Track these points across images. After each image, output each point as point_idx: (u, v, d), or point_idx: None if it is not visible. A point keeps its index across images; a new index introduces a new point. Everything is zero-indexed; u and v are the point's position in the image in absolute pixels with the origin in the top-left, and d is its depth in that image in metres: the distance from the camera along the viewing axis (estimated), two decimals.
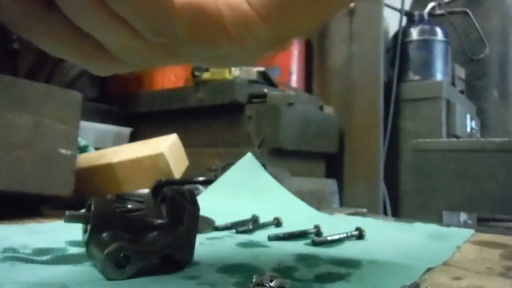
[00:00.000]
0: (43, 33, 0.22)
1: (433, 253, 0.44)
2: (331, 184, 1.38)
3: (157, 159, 0.76)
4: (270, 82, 1.31)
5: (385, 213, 1.54)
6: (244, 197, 0.72)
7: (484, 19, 2.22)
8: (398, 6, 1.61)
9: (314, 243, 0.47)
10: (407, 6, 1.68)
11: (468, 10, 2.16)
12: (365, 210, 0.93)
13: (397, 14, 1.62)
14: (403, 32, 1.68)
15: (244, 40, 0.23)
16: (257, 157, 0.86)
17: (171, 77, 1.45)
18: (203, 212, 0.39)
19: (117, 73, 0.26)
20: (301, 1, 0.23)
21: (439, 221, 1.01)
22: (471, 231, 0.57)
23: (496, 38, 2.26)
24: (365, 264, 0.39)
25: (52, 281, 0.31)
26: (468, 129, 1.87)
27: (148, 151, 0.78)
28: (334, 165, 1.49)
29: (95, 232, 0.35)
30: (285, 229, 0.55)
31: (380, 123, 1.50)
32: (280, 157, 1.17)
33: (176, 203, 0.37)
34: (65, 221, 0.35)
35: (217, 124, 1.27)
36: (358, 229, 0.52)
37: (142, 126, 1.44)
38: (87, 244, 0.36)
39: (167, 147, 0.78)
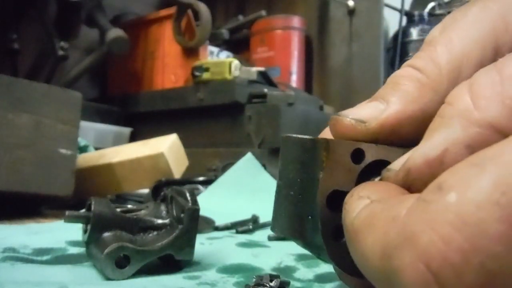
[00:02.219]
0: None
1: None
2: None
3: (157, 159, 0.76)
4: (270, 82, 1.30)
5: None
6: (244, 197, 0.72)
7: None
8: (398, 6, 1.61)
9: None
10: (407, 6, 1.68)
11: None
12: None
13: (397, 14, 1.62)
14: (403, 32, 1.68)
15: None
16: (257, 157, 0.86)
17: (171, 77, 1.45)
18: (203, 212, 0.39)
19: None
20: None
21: None
22: None
23: None
24: None
25: (52, 281, 0.31)
26: None
27: (148, 151, 0.78)
28: None
29: (95, 232, 0.35)
30: None
31: None
32: None
33: (176, 203, 0.37)
34: (65, 221, 0.35)
35: (217, 124, 1.27)
36: None
37: (142, 126, 1.44)
38: (87, 244, 0.36)
39: (167, 147, 0.78)
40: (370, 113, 0.21)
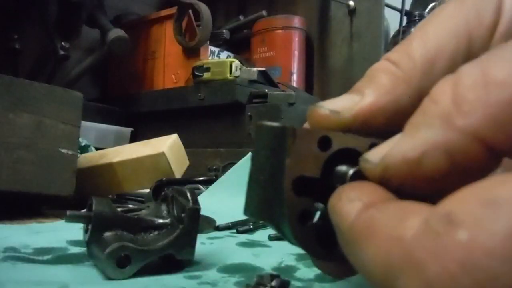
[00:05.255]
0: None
1: None
2: None
3: (158, 159, 0.76)
4: (270, 82, 1.31)
5: None
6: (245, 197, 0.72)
7: None
8: (399, 6, 1.61)
9: None
10: (407, 6, 1.68)
11: None
12: None
13: (398, 14, 1.62)
14: (404, 32, 1.68)
15: None
16: None
17: (171, 77, 1.45)
18: (204, 211, 0.39)
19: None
20: None
21: None
22: None
23: None
24: None
25: (53, 281, 0.31)
26: None
27: (149, 151, 0.78)
28: None
29: (96, 231, 0.35)
30: None
31: None
32: None
33: (176, 203, 0.37)
34: (66, 221, 0.35)
35: (217, 124, 1.27)
36: None
37: (143, 126, 1.44)
38: (88, 243, 0.36)
39: (167, 147, 0.78)
40: (345, 104, 0.21)
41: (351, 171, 0.19)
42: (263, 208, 0.21)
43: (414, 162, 0.16)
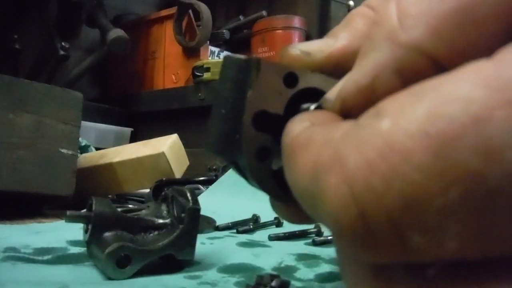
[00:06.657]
0: None
1: None
2: None
3: (158, 159, 0.76)
4: None
5: None
6: (245, 197, 0.72)
7: None
8: None
9: (315, 243, 0.47)
10: None
11: None
12: None
13: None
14: None
15: None
16: None
17: (171, 77, 1.45)
18: (204, 212, 0.39)
19: None
20: None
21: None
22: None
23: None
24: None
25: (53, 281, 0.31)
26: None
27: (149, 151, 0.78)
28: None
29: (96, 231, 0.35)
30: (286, 228, 0.55)
31: None
32: None
33: (177, 203, 0.37)
34: (66, 221, 0.35)
35: None
36: None
37: (143, 126, 1.44)
38: (88, 243, 0.36)
39: (167, 147, 0.78)
40: (318, 46, 0.21)
41: (313, 106, 0.19)
42: (223, 143, 0.21)
43: (368, 88, 0.15)
